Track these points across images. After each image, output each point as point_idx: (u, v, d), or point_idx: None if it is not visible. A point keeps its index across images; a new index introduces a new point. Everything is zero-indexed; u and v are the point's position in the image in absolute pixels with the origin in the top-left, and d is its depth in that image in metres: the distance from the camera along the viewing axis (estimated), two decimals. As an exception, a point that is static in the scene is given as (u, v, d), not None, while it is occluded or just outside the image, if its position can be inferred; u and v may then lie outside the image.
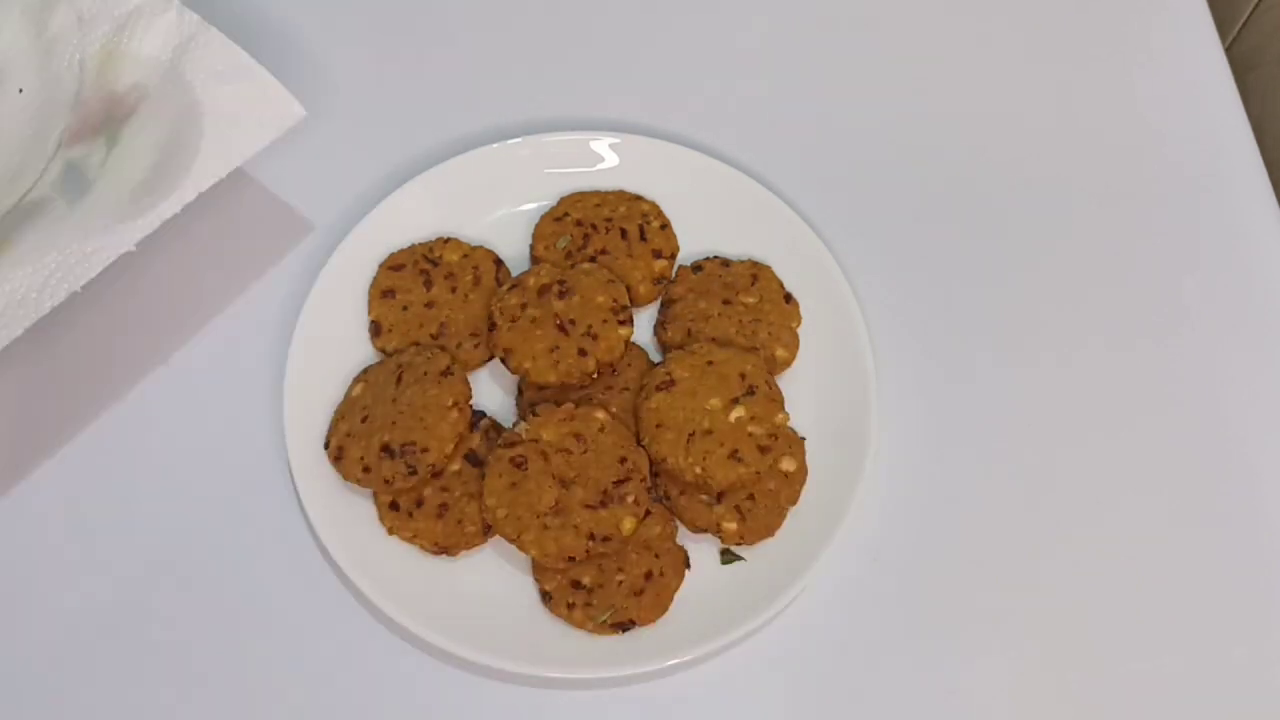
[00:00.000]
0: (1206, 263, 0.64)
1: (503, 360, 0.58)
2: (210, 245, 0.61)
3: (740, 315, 0.59)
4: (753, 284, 0.60)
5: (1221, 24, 0.73)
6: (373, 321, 0.59)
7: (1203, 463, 0.60)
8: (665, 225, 0.62)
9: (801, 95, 0.68)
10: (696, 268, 0.61)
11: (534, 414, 0.56)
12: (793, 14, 0.70)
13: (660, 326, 0.60)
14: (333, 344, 0.58)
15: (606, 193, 0.63)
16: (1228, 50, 0.71)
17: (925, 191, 0.66)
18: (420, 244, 0.61)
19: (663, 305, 0.61)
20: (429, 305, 0.59)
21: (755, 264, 0.61)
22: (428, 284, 0.60)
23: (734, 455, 0.55)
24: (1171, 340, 0.62)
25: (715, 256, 0.61)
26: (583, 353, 0.57)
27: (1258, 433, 0.60)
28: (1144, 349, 0.62)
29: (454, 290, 0.60)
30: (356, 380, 0.58)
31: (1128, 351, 0.62)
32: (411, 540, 0.55)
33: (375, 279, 0.60)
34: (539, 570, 0.55)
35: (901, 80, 0.69)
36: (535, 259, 0.61)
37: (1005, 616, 0.56)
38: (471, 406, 0.57)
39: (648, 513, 0.55)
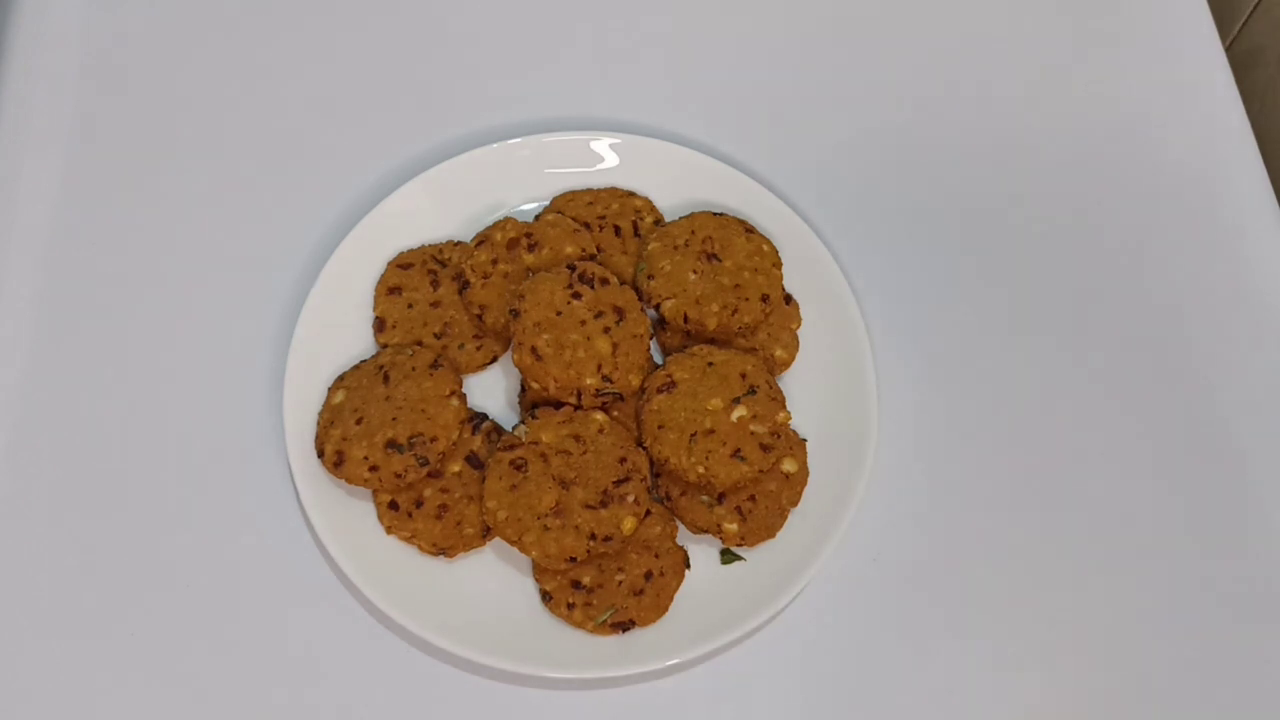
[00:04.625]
0: (1207, 263, 0.64)
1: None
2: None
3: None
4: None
5: (1221, 24, 0.73)
6: (377, 317, 0.59)
7: (1203, 464, 0.60)
8: (659, 220, 0.62)
9: (802, 96, 0.68)
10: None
11: (533, 417, 0.56)
12: (793, 14, 0.70)
13: (659, 326, 0.60)
14: (332, 343, 0.58)
15: (599, 190, 0.63)
16: (1228, 50, 0.71)
17: (924, 192, 0.66)
18: (430, 245, 0.61)
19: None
20: (434, 305, 0.59)
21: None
22: (435, 284, 0.60)
23: (737, 454, 0.55)
24: (1172, 341, 0.62)
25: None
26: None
27: (1257, 432, 0.60)
28: (1144, 350, 0.62)
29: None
30: (335, 388, 0.57)
31: (1128, 352, 0.62)
32: (409, 540, 0.55)
33: (383, 276, 0.60)
34: (539, 571, 0.55)
35: (900, 80, 0.69)
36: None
37: (1004, 617, 0.56)
38: (471, 409, 0.57)
39: (648, 512, 0.55)
